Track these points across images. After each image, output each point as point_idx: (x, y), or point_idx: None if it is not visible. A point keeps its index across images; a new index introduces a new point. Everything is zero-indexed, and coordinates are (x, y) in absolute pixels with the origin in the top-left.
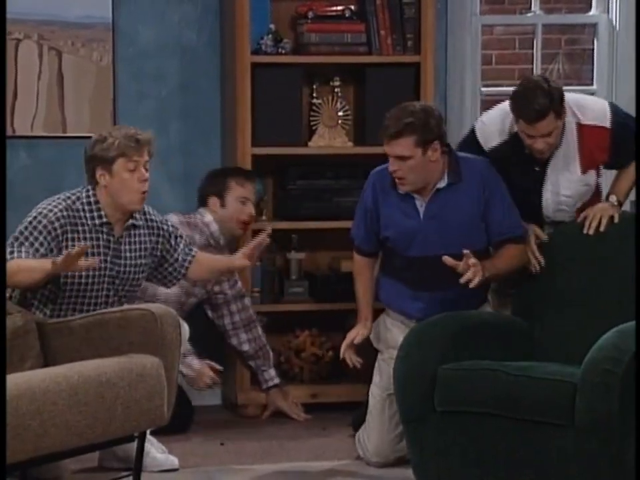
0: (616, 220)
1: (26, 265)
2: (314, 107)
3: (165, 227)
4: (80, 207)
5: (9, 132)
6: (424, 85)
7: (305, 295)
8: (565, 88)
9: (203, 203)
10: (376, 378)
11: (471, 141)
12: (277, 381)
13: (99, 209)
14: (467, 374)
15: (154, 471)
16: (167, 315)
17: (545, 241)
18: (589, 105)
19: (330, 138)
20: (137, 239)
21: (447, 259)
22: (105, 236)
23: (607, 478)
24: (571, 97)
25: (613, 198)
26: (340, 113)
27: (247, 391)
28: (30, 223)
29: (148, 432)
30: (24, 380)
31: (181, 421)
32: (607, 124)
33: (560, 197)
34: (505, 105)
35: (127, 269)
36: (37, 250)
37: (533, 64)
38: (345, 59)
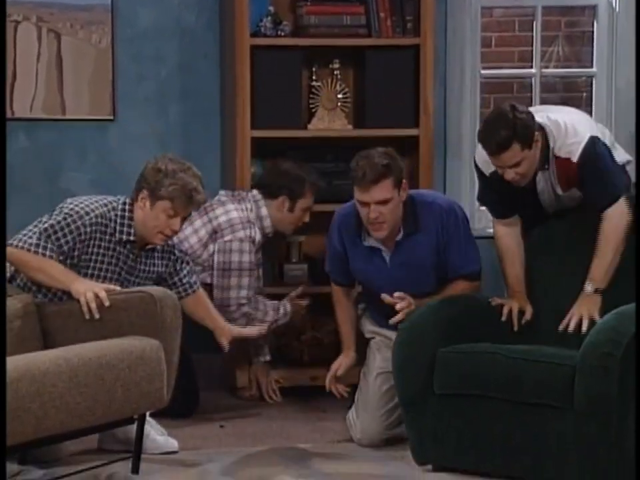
0: (597, 319)
1: (50, 272)
2: (313, 90)
3: (175, 252)
4: (113, 217)
5: (7, 114)
6: (423, 67)
7: (304, 278)
8: (566, 71)
9: (273, 194)
10: (367, 359)
11: (476, 167)
12: (268, 357)
13: (130, 225)
14: (466, 357)
15: (154, 453)
16: (167, 298)
17: (527, 319)
18: (568, 135)
19: (329, 121)
20: (151, 260)
21: (385, 297)
22: (125, 251)
23: (605, 461)
24: (554, 123)
25: (590, 286)
26: (339, 96)
27: (246, 373)
28: (64, 219)
29: (148, 414)
30: (24, 362)
31: (186, 405)
32: (575, 158)
33: (560, 202)
34: None
35: (135, 286)
36: (61, 247)
37: (532, 46)
38: (345, 42)
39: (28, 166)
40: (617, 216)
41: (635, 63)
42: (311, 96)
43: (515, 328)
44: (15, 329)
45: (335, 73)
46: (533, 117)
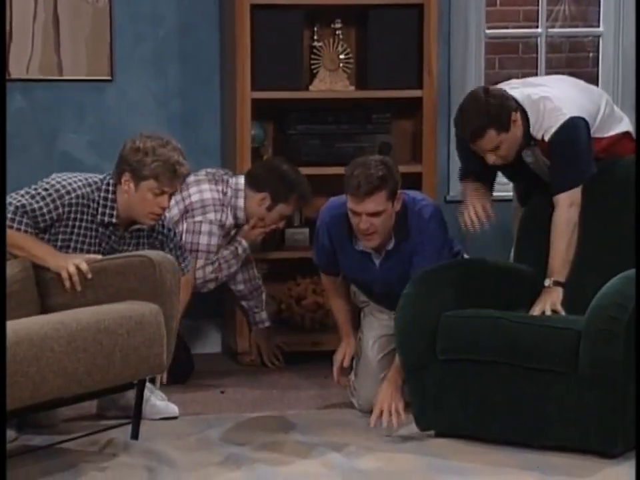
0: (560, 311)
1: (26, 247)
2: (315, 50)
3: (164, 232)
4: (97, 197)
5: None
6: (427, 27)
7: (306, 242)
8: (572, 31)
9: (256, 187)
10: (362, 325)
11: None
12: (268, 324)
13: (112, 207)
14: (470, 321)
15: (154, 419)
16: (166, 262)
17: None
18: (545, 116)
19: (331, 82)
20: (136, 240)
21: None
22: (108, 232)
23: (608, 427)
24: (534, 103)
25: (549, 281)
26: (341, 56)
27: (247, 338)
28: (43, 197)
29: (147, 380)
30: (22, 326)
31: (180, 371)
32: (547, 137)
33: None
34: None
35: None
36: (37, 223)
37: (538, 5)
38: (347, 0)
39: (25, 127)
40: (568, 207)
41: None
42: (313, 56)
43: (482, 225)
44: (12, 293)
45: (337, 32)
46: (508, 98)
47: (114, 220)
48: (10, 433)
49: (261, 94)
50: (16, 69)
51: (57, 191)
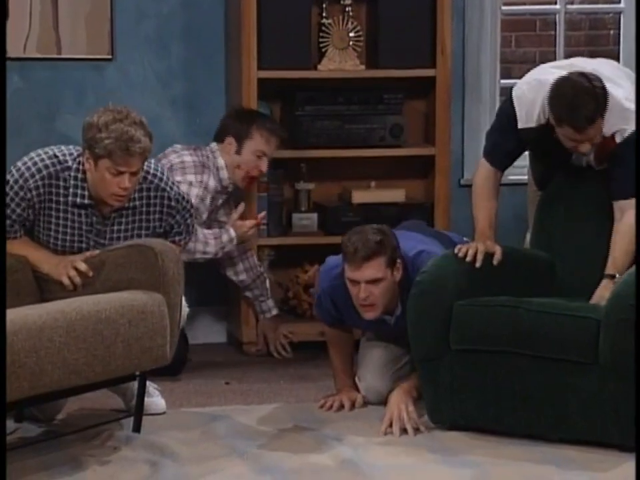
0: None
1: (17, 252)
2: (323, 28)
3: (172, 204)
4: (68, 177)
5: None
6: (440, 3)
7: (314, 228)
8: (592, 7)
9: (220, 137)
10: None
11: (503, 113)
12: (275, 312)
13: (83, 188)
14: (485, 310)
15: (150, 413)
16: (168, 251)
17: (498, 259)
18: (614, 113)
19: (340, 61)
20: (130, 219)
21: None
22: (87, 215)
23: (627, 418)
24: (617, 99)
25: (617, 276)
26: (351, 34)
27: (253, 328)
28: (11, 187)
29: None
30: (19, 316)
31: (172, 363)
32: (619, 139)
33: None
34: (541, 82)
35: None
36: (14, 223)
37: None
38: None
39: (22, 108)
40: (632, 220)
41: None
42: (321, 34)
43: (478, 264)
44: (11, 281)
45: (347, 9)
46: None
47: (86, 201)
48: (9, 425)
49: (267, 73)
50: (13, 47)
51: (16, 181)
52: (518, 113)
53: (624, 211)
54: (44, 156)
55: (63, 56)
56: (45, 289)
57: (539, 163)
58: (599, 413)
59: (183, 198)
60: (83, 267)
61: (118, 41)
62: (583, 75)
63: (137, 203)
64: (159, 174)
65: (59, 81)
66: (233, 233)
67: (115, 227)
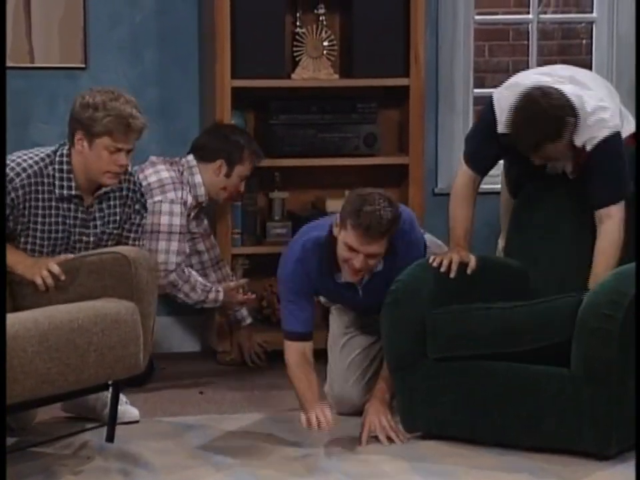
0: None
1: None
2: (297, 37)
3: (136, 197)
4: (51, 172)
5: None
6: (414, 13)
7: (288, 237)
8: (564, 17)
9: (209, 157)
10: (331, 327)
11: (484, 119)
12: (249, 321)
13: (69, 179)
14: (460, 315)
15: (124, 422)
16: (141, 259)
17: (472, 268)
18: (590, 124)
19: (314, 70)
20: (108, 205)
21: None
22: (72, 206)
23: (602, 427)
24: (588, 109)
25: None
26: (325, 43)
27: (227, 337)
28: None
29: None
30: None
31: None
32: (588, 147)
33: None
34: (520, 87)
35: (95, 237)
36: None
37: None
38: None
39: None
40: (620, 221)
41: (635, 9)
42: (295, 43)
43: (452, 275)
44: None
45: (321, 18)
46: (566, 107)
47: (73, 192)
48: None
49: (241, 82)
50: None
51: (7, 177)
52: (498, 117)
53: (602, 221)
54: (26, 156)
55: (35, 65)
56: (18, 294)
57: (514, 169)
58: (573, 421)
59: (143, 194)
60: (55, 269)
61: (91, 49)
62: (546, 94)
63: (117, 192)
64: (137, 180)
65: (31, 90)
66: (221, 296)
67: (97, 214)
